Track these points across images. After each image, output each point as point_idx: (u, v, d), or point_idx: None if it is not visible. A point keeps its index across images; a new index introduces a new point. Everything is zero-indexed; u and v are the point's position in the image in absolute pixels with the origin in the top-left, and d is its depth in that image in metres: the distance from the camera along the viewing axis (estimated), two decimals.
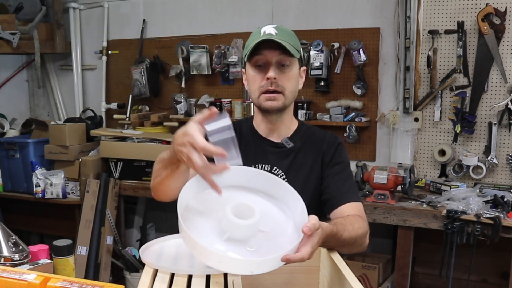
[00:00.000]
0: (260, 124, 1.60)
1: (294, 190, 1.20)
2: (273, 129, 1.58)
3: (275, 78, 1.46)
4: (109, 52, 4.15)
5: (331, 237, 1.19)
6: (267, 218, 1.13)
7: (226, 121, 1.13)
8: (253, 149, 1.58)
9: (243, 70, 1.59)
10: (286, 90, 1.49)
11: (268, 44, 1.44)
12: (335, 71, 3.32)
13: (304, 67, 1.59)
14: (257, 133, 1.60)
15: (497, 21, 2.87)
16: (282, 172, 1.55)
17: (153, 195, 1.47)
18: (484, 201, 2.63)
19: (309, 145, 1.58)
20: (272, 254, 1.00)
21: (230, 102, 3.62)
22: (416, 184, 3.02)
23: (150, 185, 1.45)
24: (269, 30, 1.46)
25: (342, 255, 1.22)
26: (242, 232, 1.07)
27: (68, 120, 3.95)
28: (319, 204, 1.52)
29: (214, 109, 1.15)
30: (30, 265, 1.46)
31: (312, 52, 3.25)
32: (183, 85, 3.79)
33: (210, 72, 3.70)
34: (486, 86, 2.96)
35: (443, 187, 2.91)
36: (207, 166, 1.10)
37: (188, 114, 3.76)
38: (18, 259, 1.47)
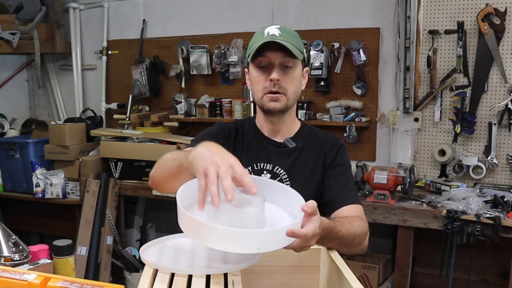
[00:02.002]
0: (262, 124, 1.60)
1: (284, 185, 1.22)
2: (275, 130, 1.58)
3: (278, 80, 1.46)
4: (109, 52, 4.15)
5: (329, 231, 1.19)
6: (266, 213, 1.14)
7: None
8: (255, 148, 1.58)
9: (246, 70, 1.59)
10: (289, 91, 1.49)
11: (271, 45, 1.43)
12: (335, 71, 3.32)
13: (307, 68, 1.59)
14: (259, 132, 1.60)
15: (497, 21, 2.87)
16: (284, 171, 1.55)
17: (150, 183, 1.43)
18: (484, 201, 2.63)
19: (311, 146, 1.58)
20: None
21: (230, 102, 3.62)
22: (416, 184, 3.02)
23: (150, 174, 1.41)
24: (272, 31, 1.45)
25: (342, 255, 1.22)
26: (242, 221, 1.07)
27: (68, 120, 3.95)
28: (320, 205, 1.52)
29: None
30: (30, 265, 1.46)
31: (312, 52, 3.25)
32: (183, 85, 3.79)
33: (210, 72, 3.70)
34: (486, 86, 2.96)
35: (443, 187, 2.91)
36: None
37: (188, 114, 3.77)
38: (18, 259, 1.47)
